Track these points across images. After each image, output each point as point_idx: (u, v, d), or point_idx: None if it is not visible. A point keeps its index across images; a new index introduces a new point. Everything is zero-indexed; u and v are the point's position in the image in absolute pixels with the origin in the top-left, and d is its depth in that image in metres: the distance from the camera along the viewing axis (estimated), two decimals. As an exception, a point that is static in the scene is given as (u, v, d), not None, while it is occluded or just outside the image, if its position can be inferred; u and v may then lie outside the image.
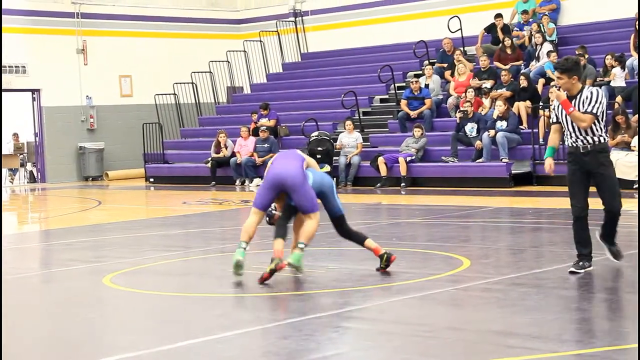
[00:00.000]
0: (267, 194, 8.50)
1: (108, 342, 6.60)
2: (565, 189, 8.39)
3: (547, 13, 21.40)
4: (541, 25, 20.71)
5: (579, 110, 8.07)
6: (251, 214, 8.60)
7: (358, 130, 20.70)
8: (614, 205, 8.20)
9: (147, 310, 7.64)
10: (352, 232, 8.85)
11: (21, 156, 26.62)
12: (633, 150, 16.19)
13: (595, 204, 8.23)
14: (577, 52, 18.90)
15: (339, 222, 8.75)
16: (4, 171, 26.83)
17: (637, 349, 5.58)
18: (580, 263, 8.17)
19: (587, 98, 8.09)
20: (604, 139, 8.17)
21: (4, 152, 27.20)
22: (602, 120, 8.13)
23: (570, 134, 8.18)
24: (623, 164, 16.10)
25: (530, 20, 21.34)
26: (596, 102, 8.05)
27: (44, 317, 7.59)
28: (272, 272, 8.27)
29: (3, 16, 23.84)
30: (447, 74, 21.19)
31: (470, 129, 18.81)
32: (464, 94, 19.55)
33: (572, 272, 8.10)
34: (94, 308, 7.86)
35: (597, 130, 8.11)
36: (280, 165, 8.52)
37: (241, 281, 8.38)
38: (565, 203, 13.35)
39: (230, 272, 8.52)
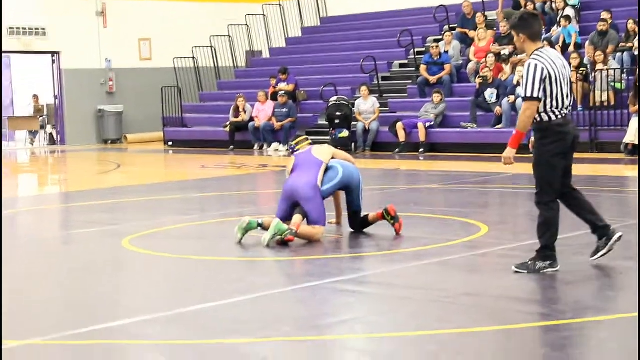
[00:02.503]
0: (282, 205, 8.76)
1: (123, 304, 6.62)
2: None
3: (569, -23, 21.09)
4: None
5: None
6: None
7: (376, 95, 20.59)
8: (535, 196, 7.01)
9: (163, 273, 7.66)
10: (360, 222, 9.01)
11: (41, 118, 26.71)
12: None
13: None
14: (602, 17, 18.67)
15: (353, 216, 9.03)
16: (24, 133, 26.96)
17: (637, 323, 5.51)
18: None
19: (522, 77, 6.95)
20: (546, 117, 6.82)
21: (24, 114, 27.37)
22: (551, 93, 6.78)
23: None
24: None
25: (553, -15, 21.06)
26: (526, 81, 6.78)
27: (61, 280, 7.62)
28: (281, 239, 8.32)
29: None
30: (471, 34, 20.99)
31: (490, 94, 18.68)
32: (484, 60, 19.40)
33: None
34: (110, 271, 7.89)
35: (542, 106, 6.81)
36: (296, 177, 8.74)
37: (257, 245, 8.39)
38: (585, 168, 13.33)
39: (246, 235, 8.59)
